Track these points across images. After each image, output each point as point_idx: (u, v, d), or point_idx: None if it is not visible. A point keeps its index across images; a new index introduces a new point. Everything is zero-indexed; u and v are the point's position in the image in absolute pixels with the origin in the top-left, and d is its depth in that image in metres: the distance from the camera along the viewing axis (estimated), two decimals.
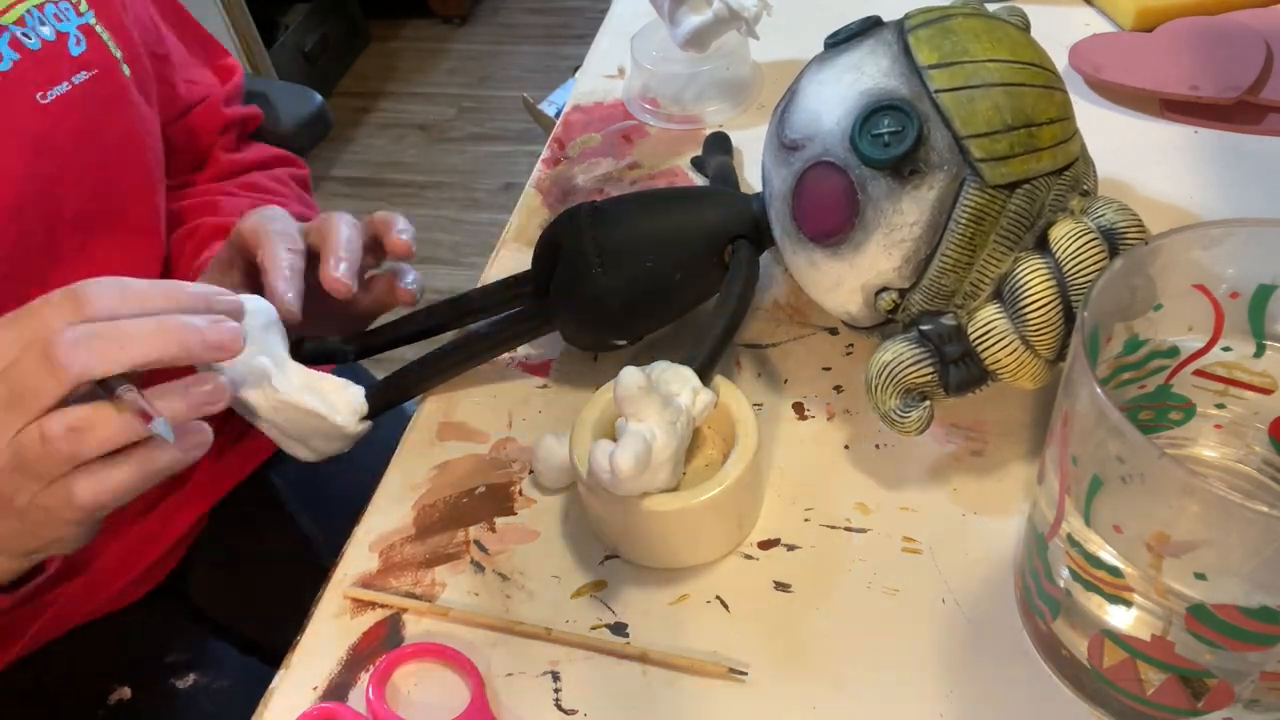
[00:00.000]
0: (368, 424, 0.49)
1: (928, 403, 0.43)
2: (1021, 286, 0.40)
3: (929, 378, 0.43)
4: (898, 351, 0.43)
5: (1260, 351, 0.37)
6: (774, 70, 0.70)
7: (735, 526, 0.45)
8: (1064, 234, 0.40)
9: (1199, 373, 0.38)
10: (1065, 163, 0.41)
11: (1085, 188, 0.43)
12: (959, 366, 0.43)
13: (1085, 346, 0.33)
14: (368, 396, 0.48)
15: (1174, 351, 0.38)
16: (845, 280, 0.44)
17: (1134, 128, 0.62)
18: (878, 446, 0.48)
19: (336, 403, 0.47)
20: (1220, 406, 0.39)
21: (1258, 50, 0.61)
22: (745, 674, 0.41)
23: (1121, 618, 0.35)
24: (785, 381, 0.52)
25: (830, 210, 0.43)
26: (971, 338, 0.42)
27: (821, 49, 0.47)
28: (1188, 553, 0.31)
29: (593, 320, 0.50)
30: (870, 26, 0.45)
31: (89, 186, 0.57)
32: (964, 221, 0.40)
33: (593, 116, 0.71)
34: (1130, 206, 0.41)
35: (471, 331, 0.53)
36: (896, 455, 0.48)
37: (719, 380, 0.45)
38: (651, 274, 0.48)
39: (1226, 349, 0.37)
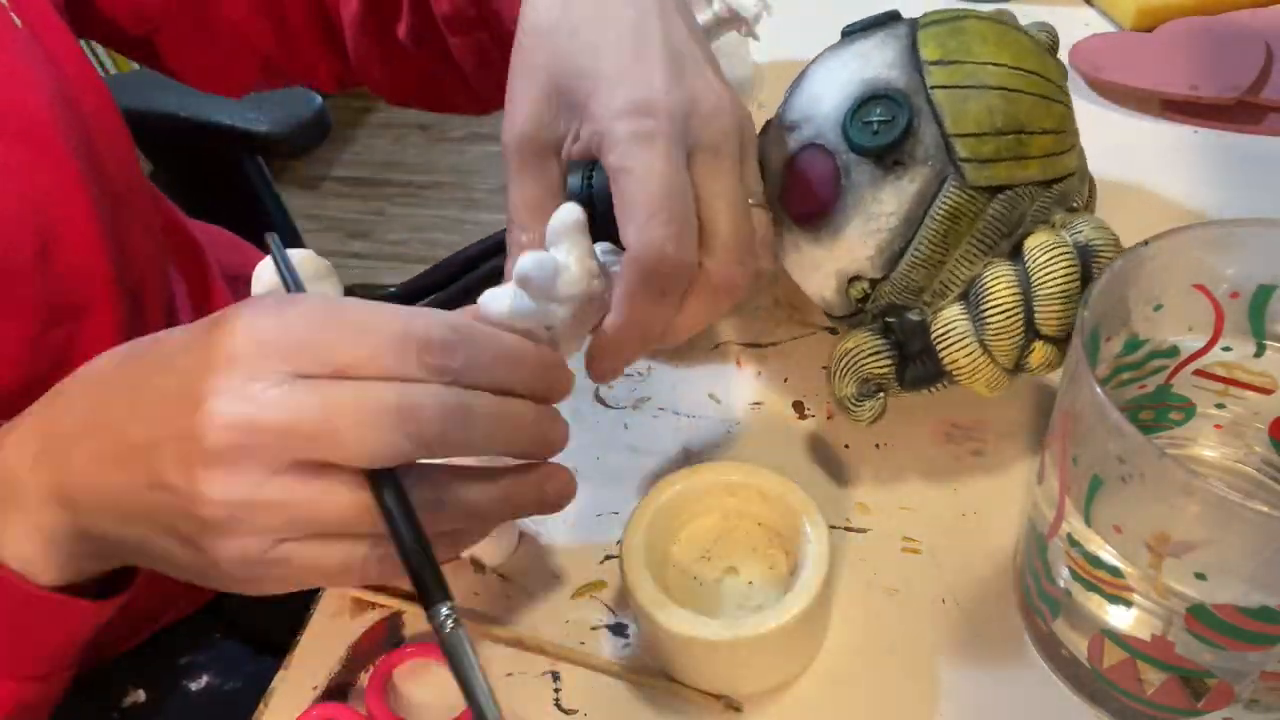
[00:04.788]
0: None
1: (882, 395, 0.44)
2: (986, 291, 0.40)
3: (886, 370, 0.43)
4: (860, 340, 0.43)
5: (1260, 351, 0.37)
6: (774, 70, 0.70)
7: (801, 653, 0.42)
8: (1037, 244, 0.40)
9: (1199, 373, 0.38)
10: (1055, 176, 0.41)
11: (1074, 204, 0.42)
12: (916, 363, 0.43)
13: (1085, 346, 0.33)
14: None
15: (1174, 351, 0.38)
16: (823, 265, 0.44)
17: (1134, 128, 0.62)
18: (878, 446, 0.48)
19: None
20: (1220, 406, 0.39)
21: (1258, 50, 0.61)
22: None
23: (1121, 618, 0.35)
24: (785, 381, 0.52)
25: (814, 192, 0.43)
26: (932, 335, 0.42)
27: (821, 50, 0.47)
28: (1188, 553, 0.31)
29: None
30: (888, 20, 0.45)
31: None
32: (939, 218, 0.40)
33: None
34: (1110, 228, 0.40)
35: (476, 272, 0.56)
36: (896, 455, 0.48)
37: (789, 486, 0.42)
38: None
39: (1226, 349, 0.37)
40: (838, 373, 0.43)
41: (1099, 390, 0.31)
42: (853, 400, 0.43)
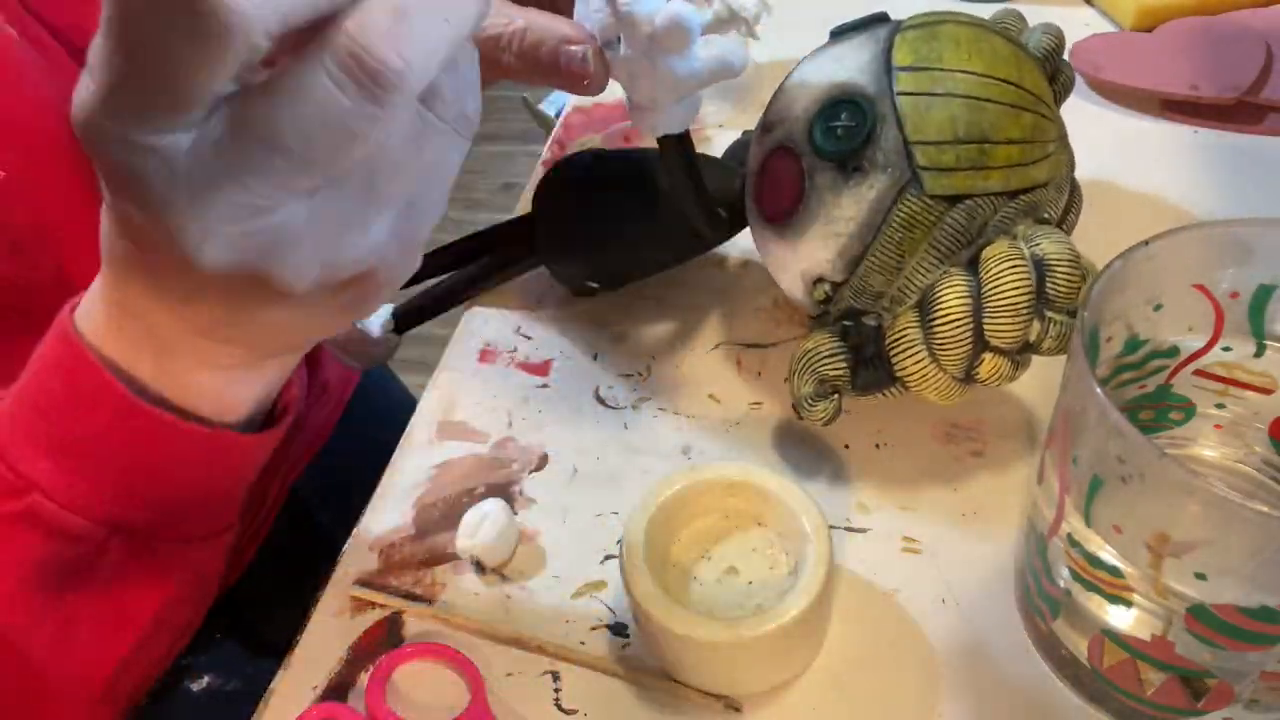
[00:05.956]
0: (396, 338, 0.56)
1: (836, 396, 0.44)
2: (936, 300, 0.40)
3: (841, 372, 0.43)
4: (819, 341, 0.43)
5: (1260, 351, 0.37)
6: (774, 70, 0.70)
7: (801, 653, 0.42)
8: (992, 255, 0.39)
9: (1199, 373, 0.38)
10: (1021, 186, 0.40)
11: (1045, 215, 0.42)
12: (868, 367, 0.43)
13: (1085, 346, 0.33)
14: (394, 315, 0.56)
15: (1174, 351, 0.38)
16: (789, 265, 0.44)
17: (1134, 128, 0.62)
18: (878, 446, 0.48)
19: (370, 316, 0.54)
20: (1220, 406, 0.39)
21: (1258, 50, 0.61)
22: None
23: (1121, 618, 0.35)
24: (785, 381, 0.52)
25: (781, 193, 0.43)
26: (886, 342, 0.42)
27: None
28: (1188, 553, 0.31)
29: (568, 258, 0.54)
30: (873, 21, 0.45)
31: None
32: (895, 226, 0.40)
33: (593, 118, 0.71)
34: (1071, 242, 0.39)
35: (476, 264, 0.58)
36: (896, 455, 0.48)
37: (789, 486, 0.42)
38: (620, 227, 0.51)
39: (1226, 349, 0.37)
40: (796, 372, 0.44)
41: (1099, 390, 0.31)
42: (808, 400, 0.44)
